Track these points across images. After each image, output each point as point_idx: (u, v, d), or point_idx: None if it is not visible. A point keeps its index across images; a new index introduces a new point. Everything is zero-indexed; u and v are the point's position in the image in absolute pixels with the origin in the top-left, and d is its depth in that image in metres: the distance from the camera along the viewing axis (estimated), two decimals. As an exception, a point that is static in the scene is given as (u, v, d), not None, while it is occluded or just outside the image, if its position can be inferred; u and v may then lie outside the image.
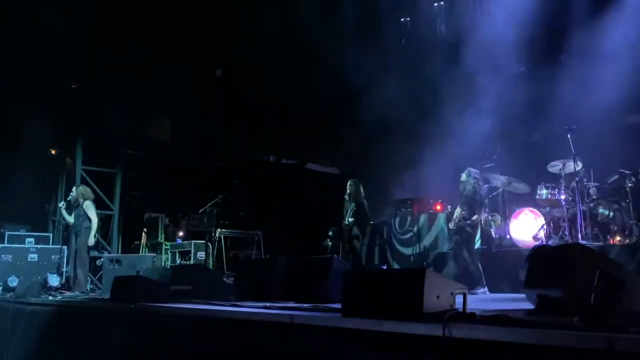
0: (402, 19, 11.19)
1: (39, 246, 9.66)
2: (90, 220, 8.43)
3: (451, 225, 7.46)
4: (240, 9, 9.66)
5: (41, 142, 11.19)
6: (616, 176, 7.35)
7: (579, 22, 8.82)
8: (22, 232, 9.96)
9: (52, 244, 10.10)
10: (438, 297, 2.83)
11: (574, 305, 2.94)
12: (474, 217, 7.18)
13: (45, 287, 8.28)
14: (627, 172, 7.23)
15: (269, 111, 13.01)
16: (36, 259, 9.46)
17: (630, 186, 7.09)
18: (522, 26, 9.40)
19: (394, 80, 11.57)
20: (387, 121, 11.93)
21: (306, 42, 9.76)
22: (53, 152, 12.08)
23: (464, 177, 7.32)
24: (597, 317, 2.51)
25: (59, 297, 7.30)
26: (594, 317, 2.51)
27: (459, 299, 2.94)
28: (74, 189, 8.86)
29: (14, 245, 9.49)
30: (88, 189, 8.95)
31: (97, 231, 8.62)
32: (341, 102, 12.58)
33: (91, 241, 8.47)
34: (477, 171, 7.43)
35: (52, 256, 9.53)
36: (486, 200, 8.60)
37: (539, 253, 3.60)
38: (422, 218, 9.70)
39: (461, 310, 2.86)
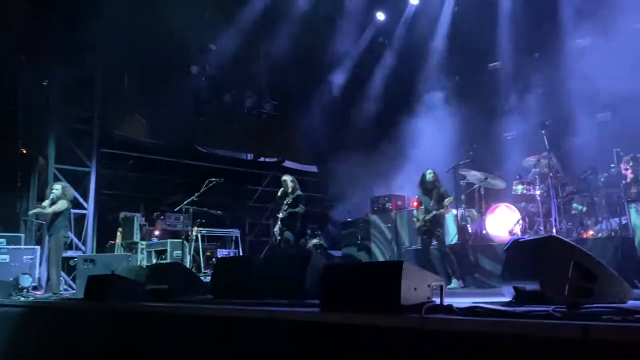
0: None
1: (10, 247, 9.40)
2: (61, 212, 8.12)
3: (420, 222, 7.63)
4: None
5: (11, 141, 10.91)
6: (589, 171, 7.47)
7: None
8: (-8, 234, 9.71)
9: (25, 245, 9.86)
10: (415, 289, 2.83)
11: (550, 296, 2.98)
12: (441, 211, 7.49)
13: (17, 288, 8.09)
14: (599, 167, 7.37)
15: (246, 110, 12.97)
16: (7, 260, 9.18)
17: (602, 181, 7.22)
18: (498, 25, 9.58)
19: (371, 80, 11.67)
20: (365, 119, 12.00)
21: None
22: (24, 150, 11.78)
23: (430, 176, 7.69)
24: (571, 307, 2.54)
25: (31, 298, 7.15)
26: (568, 307, 2.54)
27: (436, 292, 2.95)
28: (58, 186, 8.37)
29: (-16, 247, 9.24)
30: (69, 188, 8.62)
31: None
32: (318, 102, 12.65)
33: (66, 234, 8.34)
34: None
35: (24, 257, 9.26)
36: (463, 197, 8.71)
37: (515, 246, 3.63)
38: (400, 215, 9.79)
39: (438, 302, 2.87)
